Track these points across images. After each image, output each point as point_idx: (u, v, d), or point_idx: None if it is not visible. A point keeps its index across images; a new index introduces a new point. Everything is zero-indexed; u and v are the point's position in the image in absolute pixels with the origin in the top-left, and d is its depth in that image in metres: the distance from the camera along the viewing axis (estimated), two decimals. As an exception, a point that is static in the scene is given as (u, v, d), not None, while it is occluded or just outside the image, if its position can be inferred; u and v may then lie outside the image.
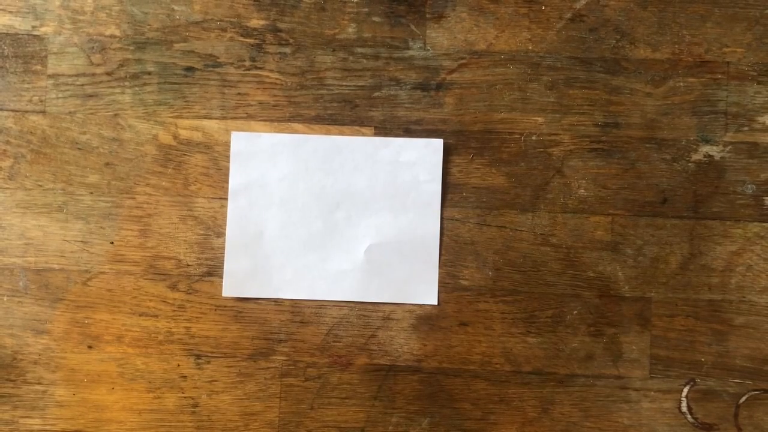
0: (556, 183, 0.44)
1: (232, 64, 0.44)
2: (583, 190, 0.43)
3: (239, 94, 0.44)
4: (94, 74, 0.45)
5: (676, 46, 0.44)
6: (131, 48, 0.45)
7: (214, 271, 0.44)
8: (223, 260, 0.44)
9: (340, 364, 0.43)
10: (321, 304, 0.43)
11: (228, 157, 0.44)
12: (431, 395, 0.42)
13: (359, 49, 0.44)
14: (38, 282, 0.44)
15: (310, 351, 0.43)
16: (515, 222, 0.43)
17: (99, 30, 0.45)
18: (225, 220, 0.44)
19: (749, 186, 0.43)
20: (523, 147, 0.44)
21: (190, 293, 0.44)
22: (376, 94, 0.44)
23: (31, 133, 0.45)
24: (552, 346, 0.43)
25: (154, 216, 0.44)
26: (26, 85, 0.45)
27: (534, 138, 0.44)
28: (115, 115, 0.44)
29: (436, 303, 0.43)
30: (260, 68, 0.44)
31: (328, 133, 0.44)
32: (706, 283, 0.43)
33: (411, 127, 0.44)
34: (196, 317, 0.44)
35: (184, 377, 0.43)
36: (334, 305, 0.43)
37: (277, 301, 0.43)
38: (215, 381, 0.43)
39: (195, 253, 0.44)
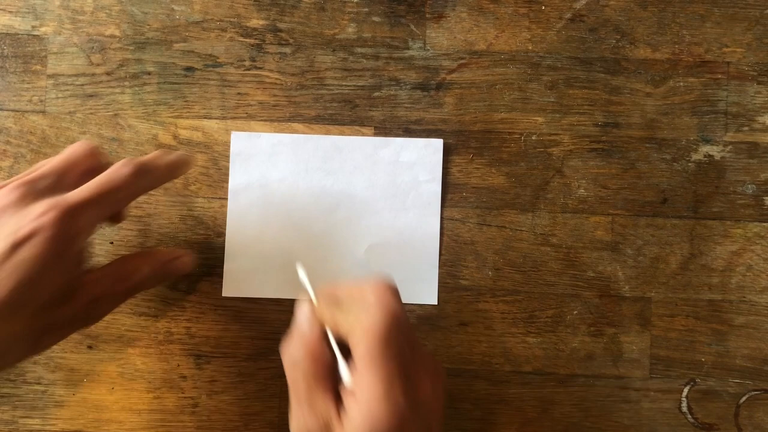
0: (556, 183, 0.44)
1: (232, 64, 0.44)
2: (583, 190, 0.43)
3: (239, 94, 0.44)
4: (94, 74, 0.45)
5: (676, 46, 0.44)
6: (131, 48, 0.45)
7: (214, 271, 0.44)
8: (223, 260, 0.43)
9: (340, 364, 0.43)
10: (321, 304, 0.43)
11: (228, 157, 0.44)
12: (431, 395, 0.42)
13: (359, 49, 0.44)
14: (38, 282, 0.44)
15: (310, 351, 0.43)
16: (515, 222, 0.43)
17: (99, 30, 0.45)
18: (225, 220, 0.44)
19: (749, 186, 0.43)
20: (523, 147, 0.44)
21: (189, 293, 0.44)
22: (376, 94, 0.44)
23: (31, 133, 0.45)
24: (552, 346, 0.43)
25: (154, 216, 0.44)
26: (26, 85, 0.45)
27: (534, 138, 0.44)
28: (115, 115, 0.44)
29: (436, 303, 0.43)
30: (260, 68, 0.44)
31: (328, 133, 0.44)
32: (706, 283, 0.43)
33: (411, 127, 0.44)
34: (196, 317, 0.44)
35: (184, 377, 0.43)
36: (334, 305, 0.43)
37: (277, 301, 0.43)
38: (215, 381, 0.43)
39: (195, 253, 0.44)
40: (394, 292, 0.31)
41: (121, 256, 0.38)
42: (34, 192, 0.32)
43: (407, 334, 0.30)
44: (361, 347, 0.29)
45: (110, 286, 0.35)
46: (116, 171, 0.33)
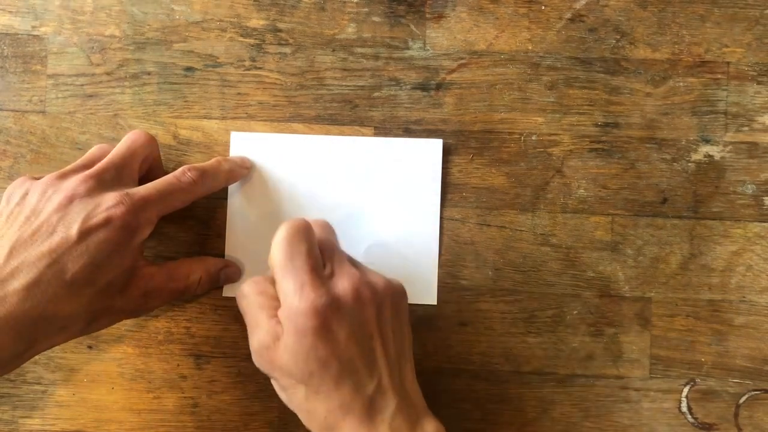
0: (556, 183, 0.44)
1: (231, 64, 0.44)
2: (583, 190, 0.43)
3: (239, 94, 0.44)
4: (93, 74, 0.45)
5: (676, 46, 0.44)
6: (131, 48, 0.45)
7: (213, 271, 0.44)
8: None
9: (340, 364, 0.43)
10: (321, 304, 0.43)
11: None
12: (431, 395, 0.42)
13: (359, 49, 0.44)
14: (38, 282, 0.43)
15: (310, 351, 0.43)
16: (515, 222, 0.43)
17: (99, 30, 0.45)
18: (225, 220, 0.44)
19: (749, 186, 0.43)
20: (523, 147, 0.44)
21: (189, 293, 0.43)
22: (376, 94, 0.44)
23: (30, 133, 0.45)
24: (552, 346, 0.43)
25: (154, 216, 0.44)
26: (26, 85, 0.45)
27: (534, 138, 0.44)
28: (115, 115, 0.44)
29: (435, 303, 0.43)
30: (260, 68, 0.44)
31: (328, 133, 0.44)
32: (706, 283, 0.43)
33: (411, 127, 0.44)
34: (196, 317, 0.44)
35: (184, 377, 0.43)
36: (334, 305, 0.43)
37: (277, 301, 0.43)
38: (215, 381, 0.43)
39: (195, 254, 0.44)
40: (302, 220, 0.34)
41: (180, 258, 0.41)
42: (101, 184, 0.36)
43: (316, 243, 0.34)
44: (274, 263, 0.33)
45: (163, 282, 0.38)
46: (180, 176, 0.38)
